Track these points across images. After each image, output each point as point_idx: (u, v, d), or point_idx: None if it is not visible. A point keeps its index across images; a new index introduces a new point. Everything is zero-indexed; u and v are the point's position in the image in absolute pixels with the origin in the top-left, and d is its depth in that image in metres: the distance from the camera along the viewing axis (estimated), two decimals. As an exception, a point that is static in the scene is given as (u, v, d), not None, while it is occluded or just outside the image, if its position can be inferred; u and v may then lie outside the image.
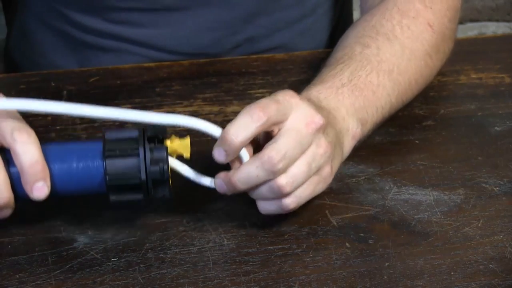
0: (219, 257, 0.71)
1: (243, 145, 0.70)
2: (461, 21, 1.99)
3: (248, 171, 0.70)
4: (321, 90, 0.80)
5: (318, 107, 0.75)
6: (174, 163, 0.72)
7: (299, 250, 0.72)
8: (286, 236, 0.73)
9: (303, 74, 0.95)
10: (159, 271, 0.70)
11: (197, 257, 0.71)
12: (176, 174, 0.72)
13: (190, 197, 0.77)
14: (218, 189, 0.72)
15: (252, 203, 0.76)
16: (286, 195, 0.71)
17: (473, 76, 0.96)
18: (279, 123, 0.70)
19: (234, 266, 0.70)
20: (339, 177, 0.80)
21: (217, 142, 0.70)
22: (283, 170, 0.69)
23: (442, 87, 0.94)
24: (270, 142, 0.70)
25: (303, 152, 0.70)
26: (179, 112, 0.89)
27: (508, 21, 2.02)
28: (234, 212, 0.76)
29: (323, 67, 0.85)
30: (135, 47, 1.01)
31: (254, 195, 0.72)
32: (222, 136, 0.69)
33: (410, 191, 0.79)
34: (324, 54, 0.95)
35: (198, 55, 1.01)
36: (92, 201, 0.76)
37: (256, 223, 0.74)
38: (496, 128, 0.87)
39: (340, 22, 1.10)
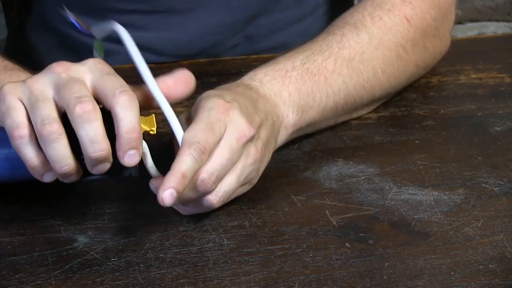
0: (219, 257, 0.71)
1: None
2: (461, 21, 1.99)
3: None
4: (268, 72, 0.80)
5: (255, 108, 0.74)
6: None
7: (299, 250, 0.72)
8: (286, 236, 0.73)
9: (303, 74, 0.95)
10: (159, 271, 0.70)
11: (197, 257, 0.71)
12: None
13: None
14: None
15: (253, 202, 0.76)
16: (213, 207, 0.72)
17: (473, 76, 0.96)
18: None
19: (234, 266, 0.70)
20: (339, 177, 0.80)
21: (165, 185, 0.66)
22: (215, 188, 0.71)
23: (442, 87, 0.94)
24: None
25: (233, 165, 0.71)
26: (179, 112, 0.89)
27: (508, 21, 2.03)
28: (234, 212, 0.75)
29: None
30: None
31: (180, 207, 0.73)
32: (174, 178, 0.67)
33: (410, 191, 0.78)
34: (324, 54, 0.95)
35: (198, 54, 1.01)
36: (92, 201, 0.76)
37: (256, 223, 0.74)
38: (496, 128, 0.87)
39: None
